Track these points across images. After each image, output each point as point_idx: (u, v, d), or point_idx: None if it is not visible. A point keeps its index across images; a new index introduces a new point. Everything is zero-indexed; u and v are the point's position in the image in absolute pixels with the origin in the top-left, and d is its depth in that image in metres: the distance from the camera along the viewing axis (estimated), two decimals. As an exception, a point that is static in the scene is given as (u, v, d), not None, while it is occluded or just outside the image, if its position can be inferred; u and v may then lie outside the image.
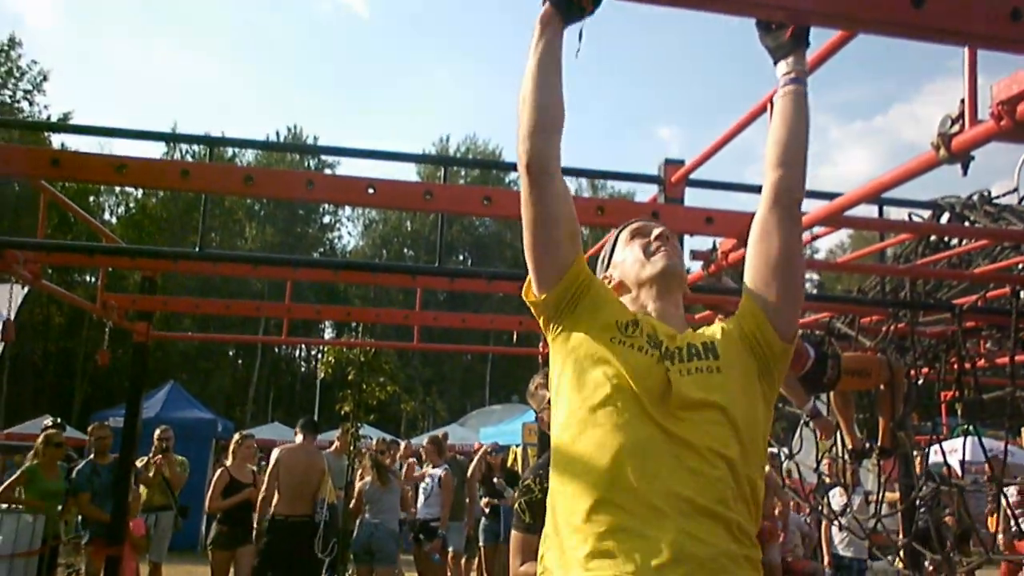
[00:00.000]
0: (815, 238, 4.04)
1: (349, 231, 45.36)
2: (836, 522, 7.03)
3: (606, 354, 1.58)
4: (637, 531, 1.43)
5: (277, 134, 39.02)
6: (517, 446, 14.52)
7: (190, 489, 8.88)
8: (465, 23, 67.80)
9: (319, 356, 40.80)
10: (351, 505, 7.44)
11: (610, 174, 4.60)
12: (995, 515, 10.36)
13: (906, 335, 5.17)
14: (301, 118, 67.24)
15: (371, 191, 3.32)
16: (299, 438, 7.03)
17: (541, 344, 7.28)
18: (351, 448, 8.10)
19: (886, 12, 1.66)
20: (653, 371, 1.55)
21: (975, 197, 4.38)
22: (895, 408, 5.07)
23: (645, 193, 4.62)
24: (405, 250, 42.83)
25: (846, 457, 5.80)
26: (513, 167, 5.20)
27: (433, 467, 7.91)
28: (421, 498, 7.99)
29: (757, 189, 4.37)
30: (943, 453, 5.46)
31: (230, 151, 30.74)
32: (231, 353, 38.03)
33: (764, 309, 1.67)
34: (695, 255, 3.82)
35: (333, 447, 8.50)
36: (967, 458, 6.30)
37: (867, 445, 5.45)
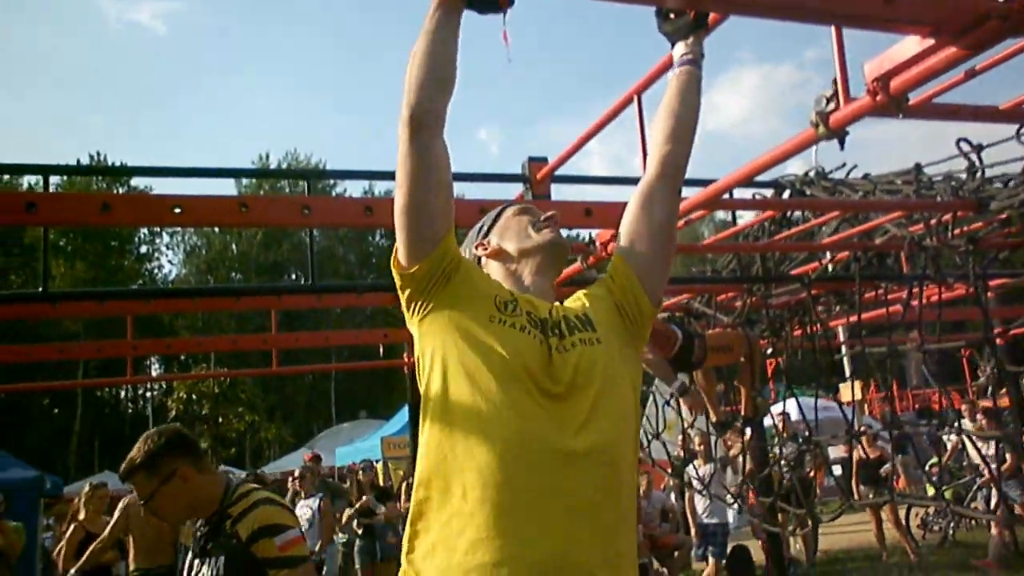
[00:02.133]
0: (688, 223, 4.18)
1: (170, 259, 42.81)
2: (703, 492, 7.37)
3: (484, 335, 1.51)
4: (517, 532, 1.38)
5: (78, 161, 36.12)
6: (377, 461, 14.25)
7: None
8: (272, 37, 65.73)
9: (149, 396, 38.36)
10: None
11: (476, 176, 4.57)
12: (820, 471, 11.24)
13: (758, 308, 5.49)
14: (104, 145, 62.80)
15: (178, 210, 3.06)
16: None
17: (405, 355, 7.16)
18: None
19: None
20: (536, 350, 1.51)
21: (811, 173, 4.71)
22: (754, 378, 5.38)
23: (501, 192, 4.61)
24: (233, 274, 40.90)
25: (711, 429, 6.09)
26: (337, 175, 5.04)
27: (306, 496, 7.53)
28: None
29: (624, 181, 4.49)
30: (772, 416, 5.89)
31: (25, 183, 28.18)
32: (45, 403, 34.84)
33: (638, 273, 1.70)
34: (574, 248, 3.86)
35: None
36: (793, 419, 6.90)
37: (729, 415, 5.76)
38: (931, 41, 1.97)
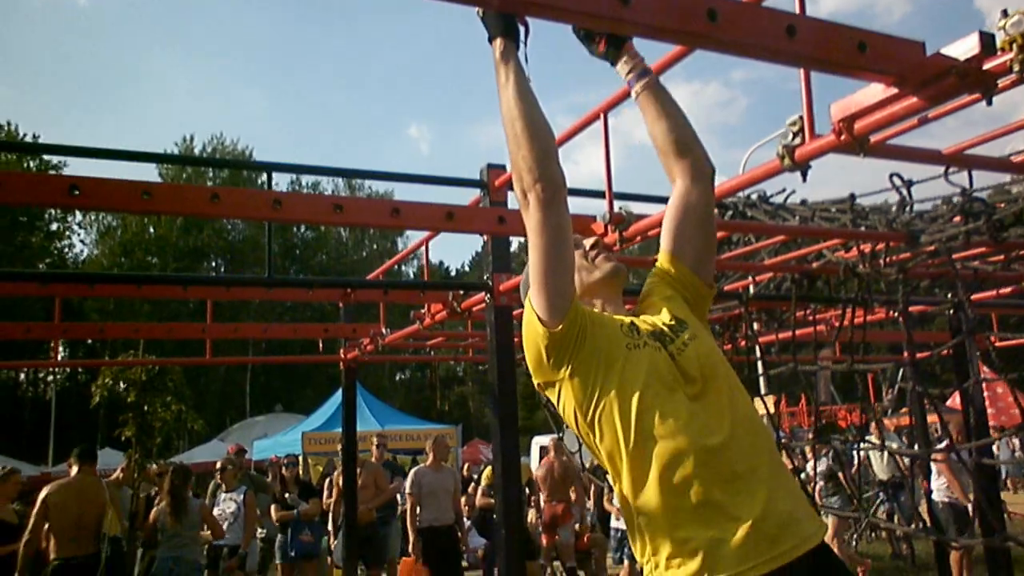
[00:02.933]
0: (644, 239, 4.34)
1: (82, 239, 41.07)
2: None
3: (631, 362, 1.67)
4: (731, 508, 1.56)
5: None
6: (287, 455, 14.04)
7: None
8: (200, 17, 63.91)
9: (52, 379, 36.70)
10: (142, 533, 6.82)
11: (433, 179, 4.63)
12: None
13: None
14: (15, 116, 59.83)
15: (76, 192, 2.93)
16: (73, 470, 6.32)
17: (342, 351, 7.15)
18: (135, 476, 7.38)
19: (683, 24, 1.88)
20: (666, 360, 1.69)
21: (754, 196, 4.95)
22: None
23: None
24: (149, 258, 39.54)
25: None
26: (263, 167, 4.97)
27: (229, 489, 7.42)
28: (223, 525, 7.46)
29: (581, 193, 4.62)
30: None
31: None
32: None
33: (689, 264, 1.88)
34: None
35: (115, 476, 7.70)
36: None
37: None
38: (895, 90, 2.17)
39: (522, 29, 1.84)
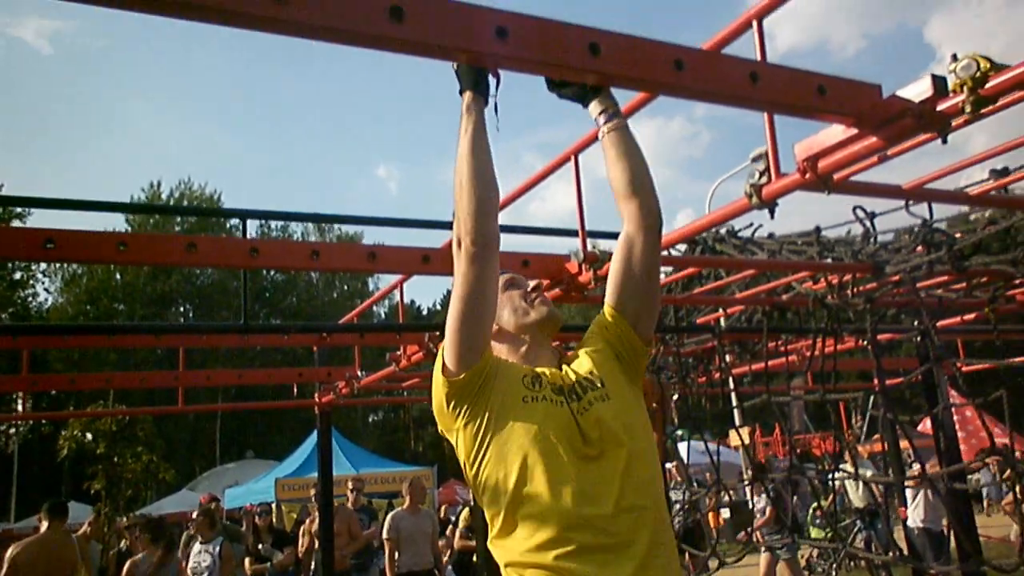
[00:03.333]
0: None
1: (46, 287, 40.38)
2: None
3: (523, 415, 1.69)
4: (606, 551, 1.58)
5: (-53, 181, 33.90)
6: (260, 504, 13.82)
7: None
8: (166, 63, 63.91)
9: (15, 432, 35.77)
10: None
11: (411, 222, 4.66)
12: (715, 514, 11.74)
13: (667, 356, 5.79)
14: (-27, 163, 58.98)
15: (50, 245, 2.93)
16: (43, 526, 6.18)
17: (317, 395, 7.10)
18: (106, 530, 7.20)
19: (651, 74, 1.94)
20: (565, 417, 1.70)
21: (723, 231, 5.06)
22: (665, 423, 5.65)
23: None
24: (116, 305, 38.95)
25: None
26: (232, 213, 4.98)
27: (202, 541, 7.25)
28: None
29: (557, 232, 4.67)
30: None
31: None
32: None
33: (629, 319, 1.88)
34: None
35: (83, 531, 7.51)
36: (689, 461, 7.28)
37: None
38: (854, 130, 2.26)
39: (493, 81, 1.89)
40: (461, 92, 1.85)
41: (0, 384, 5.70)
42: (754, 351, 6.11)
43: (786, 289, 4.98)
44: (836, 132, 2.31)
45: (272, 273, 43.71)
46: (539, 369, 1.82)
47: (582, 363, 1.87)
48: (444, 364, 1.72)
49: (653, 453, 1.79)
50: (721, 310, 5.73)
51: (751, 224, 5.21)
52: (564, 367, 1.87)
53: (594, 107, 2.00)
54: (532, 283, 2.03)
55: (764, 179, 2.58)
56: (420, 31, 1.64)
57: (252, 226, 42.92)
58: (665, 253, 5.03)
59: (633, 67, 1.91)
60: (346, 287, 48.05)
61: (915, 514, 7.62)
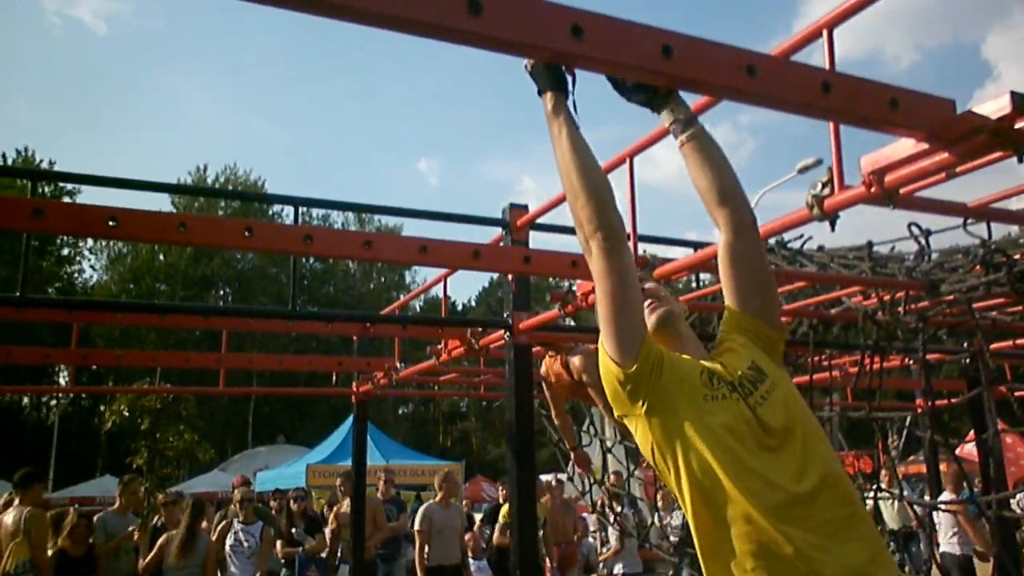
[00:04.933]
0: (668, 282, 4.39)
1: (92, 264, 41.27)
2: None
3: (712, 417, 1.68)
4: (802, 564, 1.56)
5: (4, 157, 34.81)
6: (296, 489, 13.96)
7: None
8: (220, 46, 64.92)
9: (54, 403, 36.66)
10: (145, 562, 6.73)
11: (456, 216, 4.69)
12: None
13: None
14: (33, 141, 60.58)
15: (112, 223, 3.00)
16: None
17: (355, 385, 7.16)
18: (145, 504, 7.31)
19: (724, 79, 1.92)
20: (745, 412, 1.70)
21: (772, 242, 4.99)
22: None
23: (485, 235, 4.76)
24: (158, 285, 39.67)
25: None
26: (277, 199, 5.03)
27: (242, 523, 7.34)
28: (233, 559, 7.34)
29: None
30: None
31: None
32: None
33: (756, 315, 1.89)
34: (553, 296, 4.02)
35: (116, 505, 7.62)
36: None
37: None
38: (925, 145, 2.21)
39: (570, 79, 1.89)
40: (540, 93, 1.86)
41: (53, 356, 5.82)
42: (796, 364, 6.03)
43: (834, 303, 4.90)
44: (905, 146, 2.27)
45: (311, 262, 44.20)
46: (709, 365, 1.81)
47: (738, 357, 1.85)
48: (612, 359, 1.74)
49: (821, 429, 1.79)
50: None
51: (801, 235, 5.13)
52: (719, 363, 1.84)
53: (667, 115, 1.98)
54: (647, 286, 2.00)
55: (826, 191, 2.54)
56: (497, 26, 1.64)
57: (289, 216, 43.43)
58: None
59: (705, 71, 1.89)
60: (383, 279, 48.43)
61: (953, 539, 7.46)
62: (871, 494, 7.88)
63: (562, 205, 4.35)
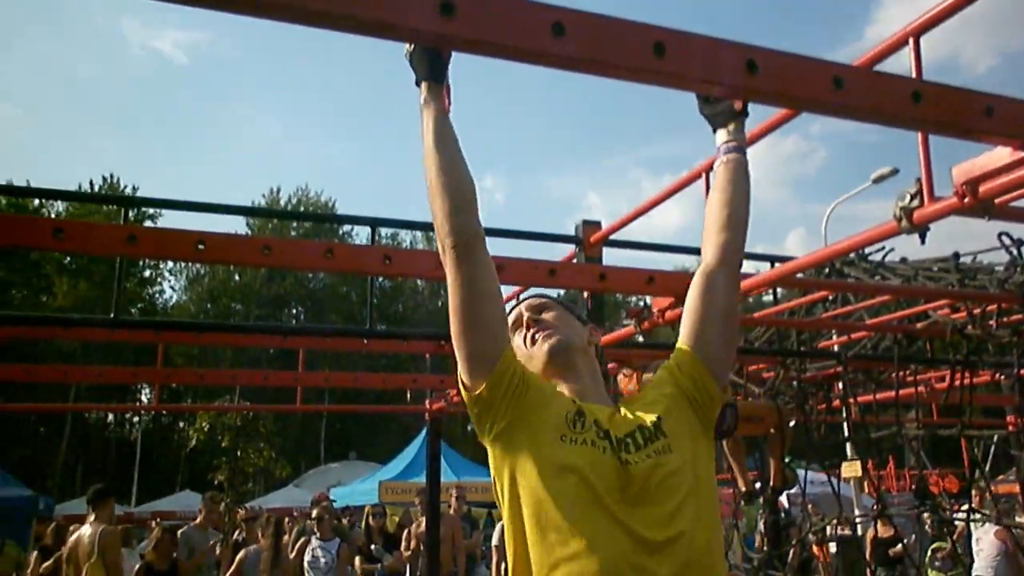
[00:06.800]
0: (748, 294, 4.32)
1: (172, 285, 42.86)
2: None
3: (559, 456, 1.53)
4: None
5: (91, 184, 36.43)
6: (375, 505, 14.15)
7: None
8: (289, 71, 66.80)
9: (136, 421, 37.99)
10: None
11: (527, 234, 4.70)
12: (823, 548, 11.31)
13: (787, 381, 5.61)
14: (117, 168, 63.31)
15: (201, 246, 3.07)
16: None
17: (428, 402, 7.23)
18: (226, 520, 7.53)
19: (810, 92, 1.88)
20: (608, 465, 1.53)
21: (852, 255, 4.87)
22: (783, 449, 5.47)
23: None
24: (234, 305, 40.88)
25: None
26: (347, 219, 5.09)
27: (320, 539, 7.49)
28: (311, 574, 7.50)
29: (677, 249, 4.63)
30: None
31: (37, 201, 28.49)
32: (32, 421, 34.54)
33: (704, 360, 1.72)
34: (629, 313, 3.99)
35: (198, 520, 7.86)
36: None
37: (757, 486, 5.82)
38: (1022, 154, 2.14)
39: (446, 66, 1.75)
40: (417, 83, 1.71)
41: (139, 375, 6.04)
42: (878, 380, 5.85)
43: (919, 317, 4.75)
44: (1001, 155, 2.19)
45: (380, 280, 44.90)
46: (588, 407, 1.64)
47: (647, 408, 1.69)
48: (461, 380, 1.63)
49: (709, 508, 1.60)
50: (846, 335, 5.51)
51: (882, 247, 5.00)
52: (623, 409, 1.70)
53: (725, 133, 1.92)
54: (526, 316, 1.83)
55: (915, 202, 2.46)
56: (580, 47, 1.64)
57: (363, 235, 44.20)
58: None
59: (791, 85, 1.85)
60: (450, 296, 48.88)
61: (994, 563, 7.12)
62: (961, 515, 7.58)
63: (635, 222, 4.35)
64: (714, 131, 1.97)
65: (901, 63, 2.33)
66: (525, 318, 1.82)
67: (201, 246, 3.06)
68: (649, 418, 1.65)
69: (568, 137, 76.38)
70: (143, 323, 6.68)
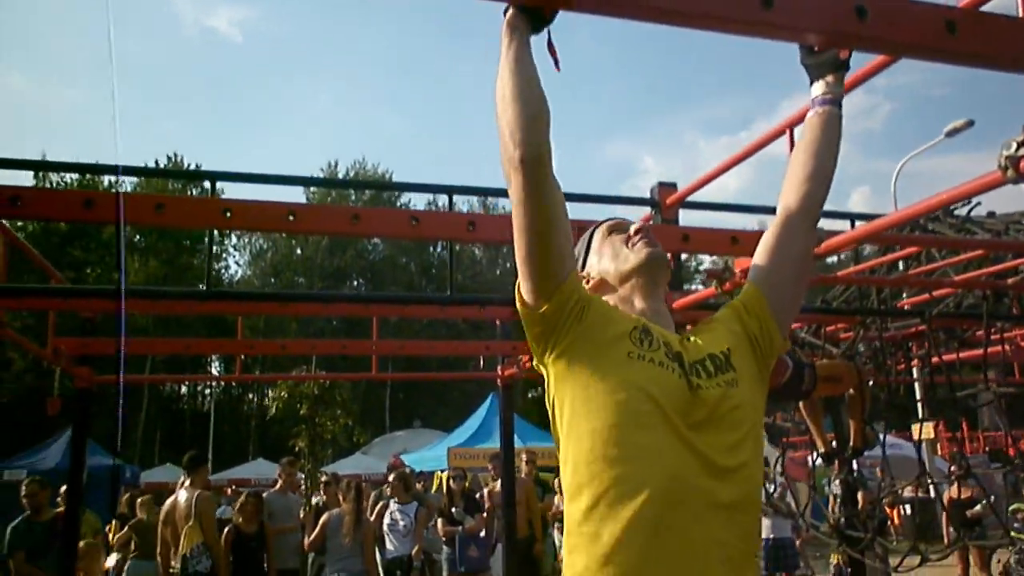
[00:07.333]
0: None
1: (236, 260, 43.92)
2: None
3: (626, 373, 1.51)
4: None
5: (156, 162, 37.41)
6: (443, 471, 14.42)
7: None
8: (344, 45, 67.17)
9: (209, 392, 39.24)
10: (311, 539, 7.18)
11: (600, 197, 4.68)
12: (895, 509, 11.14)
13: (867, 341, 5.51)
14: (178, 146, 64.81)
15: (291, 217, 3.14)
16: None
17: (500, 368, 7.30)
18: (307, 485, 7.79)
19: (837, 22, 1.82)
20: (678, 386, 1.51)
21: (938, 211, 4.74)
22: (864, 409, 5.39)
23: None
24: (296, 278, 41.76)
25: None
26: (410, 187, 5.04)
27: (399, 503, 7.70)
28: (391, 537, 7.73)
29: (755, 209, 4.57)
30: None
31: (106, 179, 29.35)
32: (113, 393, 35.90)
33: (773, 307, 1.70)
34: (710, 274, 3.96)
35: (277, 486, 8.13)
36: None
37: (835, 446, 5.76)
38: None
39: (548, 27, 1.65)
40: (505, 11, 1.61)
41: (225, 347, 6.24)
42: (962, 339, 5.71)
43: (1009, 272, 4.60)
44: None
45: (439, 250, 45.29)
46: (655, 327, 1.60)
47: (715, 338, 1.66)
48: (524, 300, 1.57)
49: (758, 456, 1.57)
50: (928, 293, 5.37)
51: (968, 201, 4.85)
52: (693, 337, 1.67)
53: (822, 85, 1.86)
54: (636, 225, 1.80)
55: (1022, 151, 2.38)
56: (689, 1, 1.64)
57: (421, 203, 44.46)
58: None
59: (902, 31, 1.80)
60: (508, 264, 48.98)
61: None
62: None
63: (712, 183, 4.29)
64: (811, 82, 1.91)
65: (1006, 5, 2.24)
66: (634, 226, 1.79)
67: (291, 217, 3.14)
68: (720, 348, 1.63)
69: (622, 100, 75.38)
70: (233, 294, 6.89)
